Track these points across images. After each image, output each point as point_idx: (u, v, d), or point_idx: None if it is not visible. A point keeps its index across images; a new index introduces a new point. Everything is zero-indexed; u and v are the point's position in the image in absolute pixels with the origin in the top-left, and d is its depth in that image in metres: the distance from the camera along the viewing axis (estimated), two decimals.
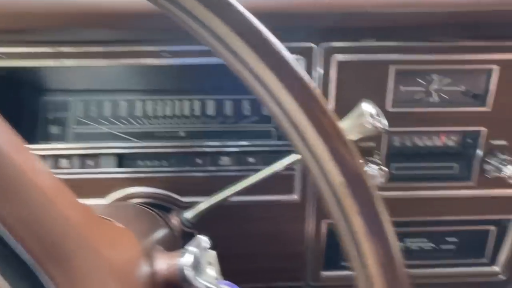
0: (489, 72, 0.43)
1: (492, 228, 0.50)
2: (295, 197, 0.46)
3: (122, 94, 0.50)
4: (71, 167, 0.45)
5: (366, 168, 0.43)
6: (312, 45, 0.42)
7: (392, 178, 0.46)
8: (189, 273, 0.30)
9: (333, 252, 0.50)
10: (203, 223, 0.42)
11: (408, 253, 0.51)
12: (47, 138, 0.49)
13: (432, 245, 0.51)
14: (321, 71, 0.43)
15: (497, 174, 0.44)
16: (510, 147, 0.45)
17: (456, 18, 0.40)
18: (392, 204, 0.50)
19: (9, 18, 0.39)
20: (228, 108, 0.50)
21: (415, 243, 0.51)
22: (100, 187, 0.45)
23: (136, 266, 0.27)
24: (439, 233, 0.51)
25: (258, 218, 0.48)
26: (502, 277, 0.52)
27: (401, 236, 0.51)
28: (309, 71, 0.43)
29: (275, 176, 0.39)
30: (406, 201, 0.48)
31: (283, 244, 0.49)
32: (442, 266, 0.52)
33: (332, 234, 0.49)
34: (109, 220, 0.30)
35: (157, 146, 0.45)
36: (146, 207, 0.42)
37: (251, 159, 0.46)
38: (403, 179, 0.47)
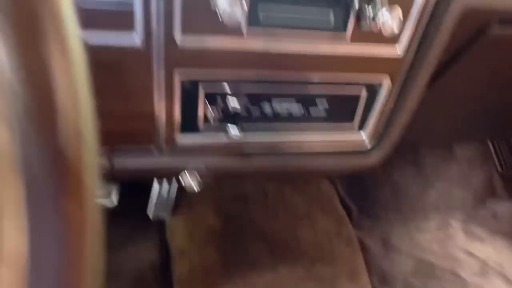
0: None
1: (363, 93, 0.47)
2: (136, 40, 0.37)
3: None
4: None
5: None
6: None
7: (259, 23, 0.38)
8: None
9: (190, 112, 0.43)
10: None
11: (277, 117, 0.46)
12: None
13: (302, 109, 0.47)
14: None
15: (372, 25, 0.39)
16: None
17: None
18: (258, 59, 0.43)
19: None
20: None
21: (283, 107, 0.46)
22: None
23: None
24: (310, 96, 0.46)
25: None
26: (367, 145, 0.51)
27: (268, 98, 0.45)
28: None
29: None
30: (274, 56, 0.41)
31: (126, 101, 0.41)
32: (312, 130, 0.48)
33: (189, 90, 0.42)
34: None
35: None
36: None
37: None
38: (271, 25, 0.39)
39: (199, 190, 0.52)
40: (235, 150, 0.47)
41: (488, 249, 1.04)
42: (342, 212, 0.88)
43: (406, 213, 1.10)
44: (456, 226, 1.10)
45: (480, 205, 1.17)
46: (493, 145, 1.24)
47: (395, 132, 0.50)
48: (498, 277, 0.96)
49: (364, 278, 0.76)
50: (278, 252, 0.74)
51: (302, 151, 0.49)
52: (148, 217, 0.91)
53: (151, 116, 0.42)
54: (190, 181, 0.52)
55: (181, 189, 0.91)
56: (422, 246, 1.03)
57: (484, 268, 0.98)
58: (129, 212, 0.96)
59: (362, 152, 0.52)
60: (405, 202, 1.10)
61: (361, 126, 0.49)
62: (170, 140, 0.45)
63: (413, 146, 1.13)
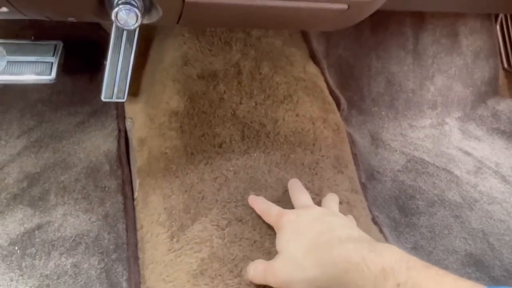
0: None
1: None
2: None
3: None
4: None
5: None
6: None
7: None
8: None
9: None
10: None
11: None
12: None
13: None
14: None
15: None
16: None
17: None
18: None
19: None
20: None
21: None
22: None
23: None
24: None
25: None
26: None
27: None
28: None
29: None
30: None
31: None
32: None
33: None
34: None
35: None
36: None
37: None
38: None
39: (138, 26, 0.38)
40: None
41: (485, 148, 0.96)
42: (330, 99, 0.75)
43: (400, 109, 0.98)
44: (452, 125, 1.00)
45: (480, 103, 1.06)
46: (502, 37, 1.09)
47: None
48: (494, 176, 0.88)
49: (351, 167, 0.66)
50: (251, 136, 0.62)
51: None
52: (104, 103, 0.78)
53: None
54: (124, 13, 0.37)
55: (139, 67, 0.76)
56: (415, 143, 0.93)
57: (479, 167, 0.90)
58: (82, 98, 0.83)
59: None
60: (400, 96, 0.98)
61: None
62: None
63: (413, 25, 0.97)
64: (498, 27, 1.09)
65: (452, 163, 0.89)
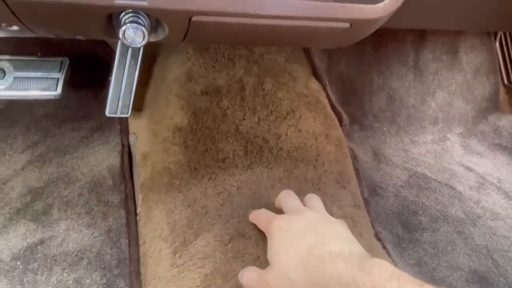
0: None
1: None
2: None
3: None
4: None
5: None
6: None
7: None
8: None
9: None
10: None
11: None
12: None
13: None
14: None
15: None
16: None
17: None
18: None
19: None
20: None
21: None
22: None
23: None
24: None
25: None
26: None
27: None
28: None
29: None
30: None
31: None
32: None
33: None
34: None
35: None
36: None
37: None
38: None
39: (145, 44, 0.38)
40: None
41: (487, 164, 0.96)
42: (332, 115, 0.76)
43: (402, 124, 0.99)
44: (454, 140, 1.01)
45: (481, 119, 1.06)
46: (502, 54, 1.11)
47: None
48: (496, 192, 0.88)
49: (353, 182, 0.66)
50: (254, 151, 0.62)
51: None
52: (108, 118, 0.78)
53: None
54: (131, 31, 0.38)
55: (143, 83, 0.77)
56: (417, 159, 0.93)
57: (482, 183, 0.90)
58: (86, 113, 0.84)
59: None
60: (401, 112, 0.99)
61: None
62: None
63: (413, 43, 0.99)
64: (497, 44, 1.10)
65: (454, 178, 0.89)
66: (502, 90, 1.11)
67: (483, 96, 1.06)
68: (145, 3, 0.34)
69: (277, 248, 0.46)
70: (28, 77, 0.66)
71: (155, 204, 0.61)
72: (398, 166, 0.90)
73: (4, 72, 0.65)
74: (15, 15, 0.32)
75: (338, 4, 0.37)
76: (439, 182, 0.87)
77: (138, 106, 0.77)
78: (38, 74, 0.66)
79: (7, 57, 0.66)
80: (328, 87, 0.84)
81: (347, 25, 0.40)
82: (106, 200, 0.70)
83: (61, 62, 0.67)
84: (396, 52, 0.98)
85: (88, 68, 0.81)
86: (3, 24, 0.36)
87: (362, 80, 0.96)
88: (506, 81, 1.10)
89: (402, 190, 0.84)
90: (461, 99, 1.03)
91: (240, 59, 0.73)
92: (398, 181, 0.87)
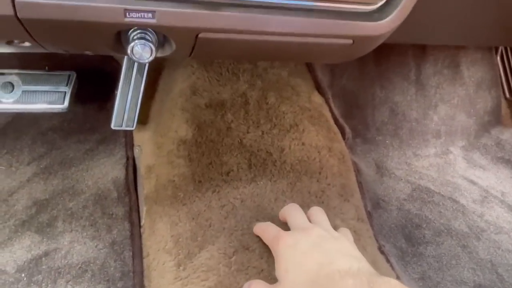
0: None
1: None
2: None
3: None
4: None
5: None
6: None
7: None
8: None
9: None
10: None
11: None
12: None
13: None
14: None
15: None
16: None
17: None
18: None
19: None
20: None
21: None
22: None
23: None
24: None
25: None
26: (378, 3, 0.38)
27: None
28: None
29: None
30: None
31: None
32: None
33: None
34: None
35: None
36: None
37: None
38: None
39: (152, 59, 0.39)
40: None
41: (490, 177, 0.96)
42: (335, 128, 0.76)
43: (404, 138, 0.99)
44: (457, 154, 1.01)
45: (484, 132, 1.07)
46: (503, 68, 1.12)
47: None
48: (500, 205, 0.88)
49: (356, 196, 0.66)
50: (258, 164, 0.63)
51: (287, 5, 0.36)
52: (113, 131, 0.79)
53: None
54: (139, 48, 0.39)
55: (148, 96, 0.78)
56: (420, 172, 0.94)
57: (485, 196, 0.90)
58: (92, 125, 0.85)
59: (367, 14, 0.39)
60: (403, 126, 1.00)
61: None
62: None
63: (415, 57, 1.00)
64: (498, 58, 1.11)
65: (457, 192, 0.89)
66: (504, 103, 1.12)
67: (485, 110, 1.07)
68: (154, 21, 0.35)
69: (285, 265, 0.46)
70: (36, 91, 0.67)
71: (159, 216, 0.62)
72: (401, 179, 0.90)
73: (13, 86, 0.66)
74: (28, 32, 0.33)
75: (342, 22, 0.38)
76: (443, 195, 0.87)
77: (143, 119, 0.78)
78: (46, 88, 0.68)
79: (16, 71, 0.68)
80: (331, 101, 0.85)
81: (350, 41, 0.41)
82: (111, 212, 0.70)
83: (69, 76, 0.69)
84: (398, 66, 1.00)
85: (94, 81, 0.82)
86: (15, 41, 0.37)
87: (364, 94, 0.97)
88: (508, 95, 1.11)
89: (405, 203, 0.84)
90: (463, 112, 1.04)
91: (244, 73, 0.74)
92: (401, 194, 0.87)
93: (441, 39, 0.82)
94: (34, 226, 0.67)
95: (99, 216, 0.70)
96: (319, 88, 0.83)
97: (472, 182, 0.93)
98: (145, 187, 0.69)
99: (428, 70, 1.02)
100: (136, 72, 0.71)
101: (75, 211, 0.69)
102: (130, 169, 0.77)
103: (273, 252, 0.50)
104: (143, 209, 0.68)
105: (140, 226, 0.67)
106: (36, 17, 0.31)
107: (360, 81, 0.97)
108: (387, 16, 0.40)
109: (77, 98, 0.75)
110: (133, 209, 0.71)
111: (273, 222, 0.57)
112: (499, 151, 1.02)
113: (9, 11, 0.30)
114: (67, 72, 0.70)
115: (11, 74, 0.66)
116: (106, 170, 0.77)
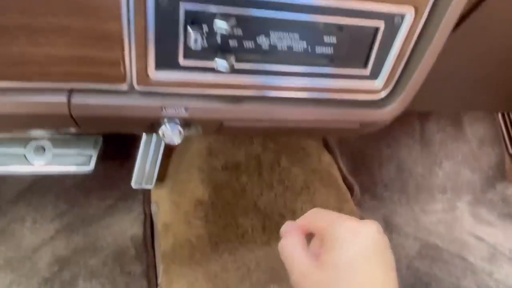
0: None
1: (382, 26, 0.38)
2: None
3: None
4: None
5: None
6: None
7: None
8: None
9: (167, 41, 0.35)
10: None
11: (273, 53, 0.38)
12: None
13: (305, 45, 0.38)
14: None
15: None
16: None
17: None
18: None
19: None
20: None
21: (283, 41, 0.38)
22: None
23: None
24: (317, 28, 0.37)
25: None
26: (381, 92, 0.43)
27: (266, 30, 0.36)
28: None
29: None
30: None
31: (85, 19, 0.32)
32: (316, 76, 0.40)
33: (166, 11, 0.33)
34: None
35: None
36: None
37: None
38: None
39: (180, 143, 0.44)
40: (221, 90, 0.39)
41: (498, 234, 0.97)
42: (344, 188, 0.80)
43: (411, 194, 1.02)
44: (463, 209, 1.03)
45: (489, 188, 1.09)
46: (505, 125, 1.16)
47: (415, 79, 0.42)
48: (509, 263, 0.89)
49: None
50: (271, 227, 0.66)
51: (301, 98, 0.41)
52: (131, 188, 0.83)
53: (118, 45, 0.34)
54: (170, 131, 0.44)
55: (166, 156, 0.83)
56: (428, 228, 0.96)
57: (494, 253, 0.91)
58: (112, 183, 0.89)
59: (373, 102, 0.44)
60: (410, 182, 1.03)
61: (375, 70, 0.41)
62: (143, 77, 0.36)
63: (419, 115, 1.05)
64: (500, 115, 1.16)
65: (466, 249, 0.91)
66: (507, 159, 1.15)
67: (489, 165, 1.10)
68: (186, 115, 0.40)
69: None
70: (65, 154, 0.72)
71: (176, 276, 0.64)
72: (410, 236, 0.92)
73: (44, 149, 0.71)
74: (77, 124, 0.38)
75: (350, 110, 0.43)
76: (451, 253, 0.89)
77: (161, 177, 0.82)
78: (74, 151, 0.73)
79: (48, 135, 0.73)
80: (339, 159, 0.89)
81: (357, 125, 0.45)
82: (129, 270, 0.73)
83: (95, 140, 0.74)
84: (403, 125, 1.04)
85: (117, 142, 0.88)
86: (63, 129, 0.42)
87: (371, 152, 1.01)
88: (511, 151, 1.15)
89: (414, 261, 0.86)
90: (467, 168, 1.07)
91: (257, 137, 0.79)
92: (410, 252, 0.89)
93: (443, 106, 0.88)
94: (56, 284, 0.69)
95: (118, 274, 0.72)
96: (328, 147, 0.88)
97: (480, 238, 0.95)
98: (162, 243, 0.72)
99: (431, 128, 1.06)
100: (157, 136, 0.76)
101: (95, 269, 0.72)
102: (148, 225, 0.80)
103: (328, 236, 0.34)
104: (160, 267, 0.70)
105: (157, 285, 0.70)
106: (87, 115, 0.36)
107: (367, 140, 1.01)
108: (392, 103, 0.45)
109: (99, 156, 0.80)
110: (150, 267, 0.73)
111: (287, 284, 0.59)
112: (505, 207, 1.04)
113: (65, 111, 0.35)
114: (94, 137, 0.75)
115: (43, 138, 0.72)
116: (125, 227, 0.81)
